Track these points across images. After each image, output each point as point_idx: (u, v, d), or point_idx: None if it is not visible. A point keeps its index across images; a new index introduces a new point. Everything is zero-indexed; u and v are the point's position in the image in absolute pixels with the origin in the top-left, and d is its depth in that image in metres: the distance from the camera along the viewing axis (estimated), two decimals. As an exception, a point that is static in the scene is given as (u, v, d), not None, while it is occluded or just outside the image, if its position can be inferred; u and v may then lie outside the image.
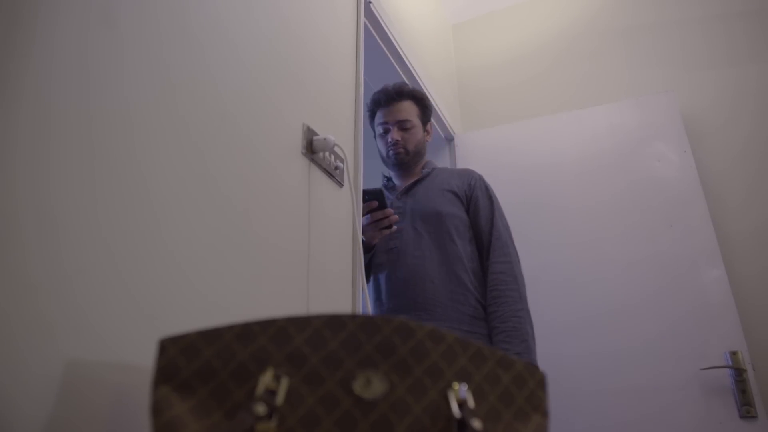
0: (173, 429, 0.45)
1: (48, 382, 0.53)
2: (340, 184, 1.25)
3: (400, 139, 1.62)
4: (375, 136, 1.72)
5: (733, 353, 1.65)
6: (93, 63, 0.66)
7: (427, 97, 1.73)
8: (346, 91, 1.40)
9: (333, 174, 1.22)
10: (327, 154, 1.19)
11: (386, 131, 1.64)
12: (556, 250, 2.00)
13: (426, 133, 1.70)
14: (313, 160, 1.14)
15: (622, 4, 2.45)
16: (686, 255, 1.82)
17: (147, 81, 0.74)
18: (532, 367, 0.57)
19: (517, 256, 1.47)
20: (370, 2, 1.68)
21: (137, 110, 0.71)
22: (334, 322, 0.52)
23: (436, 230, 1.48)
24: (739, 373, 1.62)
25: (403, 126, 1.62)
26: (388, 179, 1.71)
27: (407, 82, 1.69)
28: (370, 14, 1.73)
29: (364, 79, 1.55)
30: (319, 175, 1.16)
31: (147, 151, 0.72)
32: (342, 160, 1.25)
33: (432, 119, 1.80)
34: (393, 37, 1.91)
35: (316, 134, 1.16)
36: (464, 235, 1.49)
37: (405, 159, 1.63)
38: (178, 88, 0.79)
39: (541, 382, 0.56)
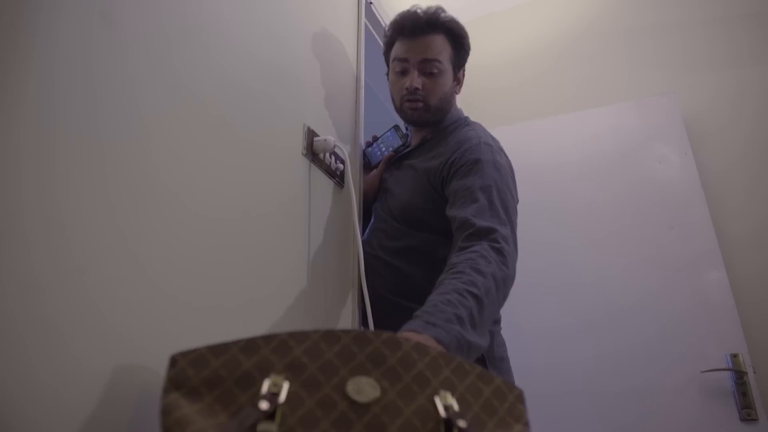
0: (182, 425, 0.48)
1: (53, 383, 0.53)
2: (341, 185, 1.25)
3: (420, 87, 1.21)
4: (387, 73, 1.32)
5: (734, 356, 1.64)
6: (95, 63, 0.66)
7: (466, 34, 1.28)
8: (347, 92, 1.40)
9: (333, 175, 1.21)
10: (327, 155, 1.19)
11: (404, 71, 1.24)
12: (556, 252, 1.99)
13: (456, 83, 1.29)
14: (313, 161, 1.13)
15: (623, 6, 2.45)
16: (687, 256, 1.81)
17: (148, 81, 0.73)
18: (511, 384, 0.61)
19: (510, 256, 0.98)
20: (371, 3, 1.68)
21: (139, 110, 0.71)
22: (329, 335, 0.57)
23: (388, 224, 1.21)
24: (739, 375, 1.61)
25: (428, 68, 1.21)
26: (404, 143, 1.33)
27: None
28: (370, 15, 1.73)
29: (365, 80, 1.54)
30: (319, 176, 1.16)
31: (149, 151, 0.71)
32: (342, 161, 1.25)
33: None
34: (394, 37, 1.91)
35: (317, 135, 1.16)
36: (424, 226, 1.14)
37: (424, 117, 1.24)
38: (180, 88, 0.79)
39: (519, 396, 0.60)
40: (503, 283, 0.91)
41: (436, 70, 1.22)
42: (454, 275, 0.88)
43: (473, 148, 1.12)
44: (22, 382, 0.50)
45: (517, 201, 1.17)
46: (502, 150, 1.19)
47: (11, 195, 0.53)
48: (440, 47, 1.23)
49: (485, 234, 0.96)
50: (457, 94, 1.32)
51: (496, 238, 0.95)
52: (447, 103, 1.27)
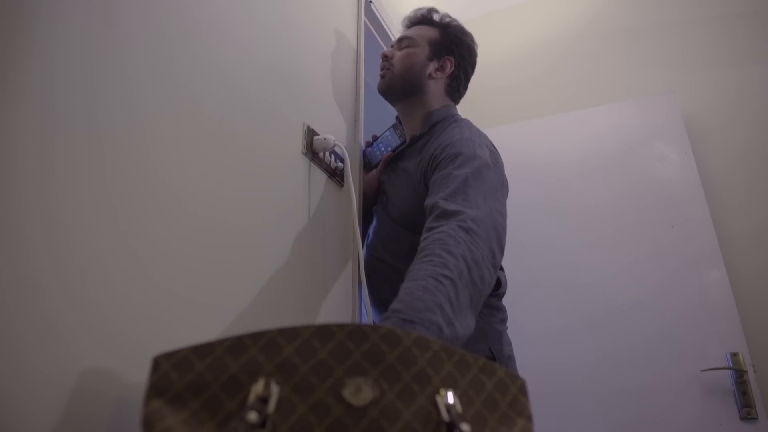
0: None
1: (53, 384, 0.53)
2: (341, 185, 1.25)
3: (390, 56, 1.29)
4: None
5: (734, 354, 1.64)
6: (95, 63, 0.66)
7: (457, 28, 1.32)
8: (347, 91, 1.40)
9: (333, 174, 1.21)
10: (327, 154, 1.19)
11: None
12: (556, 251, 1.99)
13: (435, 63, 1.29)
14: (313, 160, 1.13)
15: (623, 5, 2.45)
16: (687, 255, 1.81)
17: (148, 81, 0.73)
18: (513, 374, 0.58)
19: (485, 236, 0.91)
20: (370, 2, 1.68)
21: (139, 110, 0.71)
22: (322, 331, 0.53)
23: (391, 227, 1.20)
24: (739, 374, 1.61)
25: (401, 45, 1.30)
26: (403, 142, 1.33)
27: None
28: (370, 14, 1.73)
29: (365, 79, 1.54)
30: (319, 175, 1.16)
31: (149, 150, 0.71)
32: (342, 160, 1.25)
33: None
34: (393, 36, 1.91)
35: (317, 134, 1.16)
36: (419, 230, 1.07)
37: (390, 83, 1.28)
38: (179, 87, 0.79)
39: (522, 388, 0.57)
40: (475, 264, 0.85)
41: (407, 44, 1.29)
42: (424, 260, 0.84)
43: (454, 143, 1.11)
44: (23, 380, 0.50)
45: (507, 190, 1.15)
46: (487, 146, 1.16)
47: (11, 195, 0.53)
48: (420, 31, 1.30)
49: (453, 215, 0.92)
50: (434, 78, 1.29)
51: (464, 219, 0.91)
52: (416, 75, 1.27)
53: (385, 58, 1.29)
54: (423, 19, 1.32)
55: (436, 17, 1.32)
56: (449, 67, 1.30)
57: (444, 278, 0.79)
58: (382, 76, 1.30)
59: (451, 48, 1.30)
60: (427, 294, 0.76)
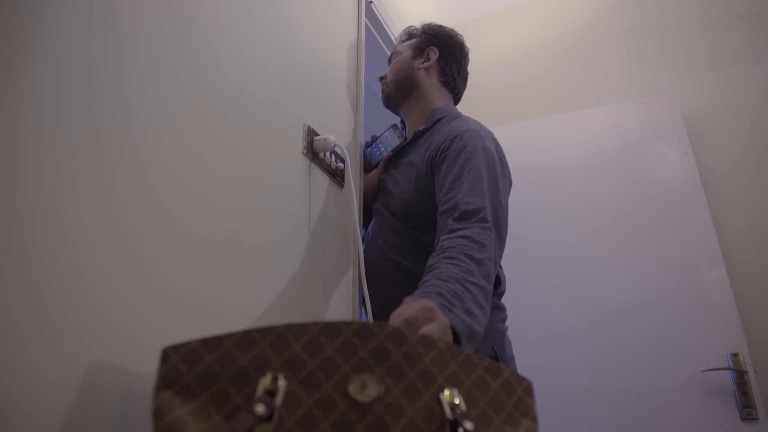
0: (175, 431, 0.46)
1: (52, 383, 0.53)
2: (341, 185, 1.25)
3: (384, 75, 1.40)
4: None
5: (734, 355, 1.64)
6: (95, 63, 0.65)
7: (434, 26, 1.40)
8: (347, 91, 1.40)
9: (334, 174, 1.21)
10: (328, 154, 1.19)
11: None
12: (556, 251, 1.99)
13: (420, 57, 1.35)
14: (313, 161, 1.13)
15: (623, 5, 2.45)
16: (687, 256, 1.81)
17: (148, 81, 0.73)
18: (519, 375, 0.58)
19: (498, 243, 0.99)
20: (371, 2, 1.68)
21: (139, 110, 0.71)
22: (330, 328, 0.54)
23: (393, 223, 1.20)
24: (740, 375, 1.61)
25: (389, 64, 1.41)
26: (403, 142, 1.34)
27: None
28: (371, 14, 1.73)
29: (365, 79, 1.54)
30: (319, 176, 1.16)
31: (149, 151, 0.71)
32: (342, 160, 1.25)
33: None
34: (394, 36, 1.91)
35: (317, 134, 1.16)
36: (428, 222, 1.10)
37: (386, 92, 1.39)
38: (179, 88, 0.79)
39: (528, 389, 0.58)
40: (493, 265, 0.93)
41: (394, 58, 1.39)
42: (449, 261, 0.87)
43: (461, 135, 1.13)
44: (22, 380, 0.50)
45: (511, 184, 1.18)
46: (492, 139, 1.18)
47: (11, 195, 0.53)
48: (402, 45, 1.40)
49: (473, 214, 0.96)
50: (423, 68, 1.35)
51: (485, 217, 0.96)
52: (407, 72, 1.35)
53: (381, 79, 1.40)
54: (404, 37, 1.43)
55: (414, 31, 1.41)
56: (434, 56, 1.36)
57: (470, 284, 0.85)
58: (382, 92, 1.39)
59: (431, 41, 1.37)
60: (455, 298, 0.80)
